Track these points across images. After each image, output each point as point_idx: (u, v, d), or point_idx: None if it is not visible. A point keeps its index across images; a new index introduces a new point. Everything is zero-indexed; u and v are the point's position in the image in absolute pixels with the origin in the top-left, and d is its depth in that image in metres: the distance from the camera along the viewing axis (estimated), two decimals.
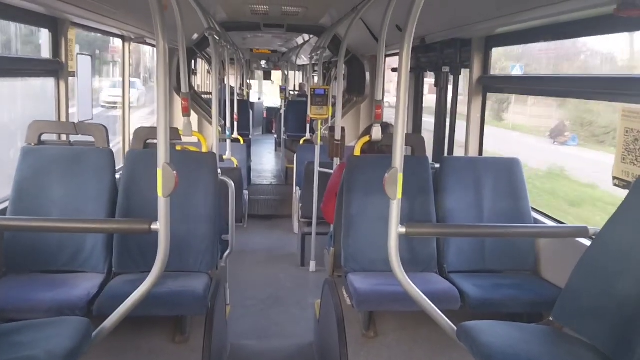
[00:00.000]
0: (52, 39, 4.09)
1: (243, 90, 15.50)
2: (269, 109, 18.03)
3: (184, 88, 3.82)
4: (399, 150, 2.35)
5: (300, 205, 6.63)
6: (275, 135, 13.76)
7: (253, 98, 19.63)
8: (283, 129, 11.27)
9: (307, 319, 4.79)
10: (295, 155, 7.98)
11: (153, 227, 2.26)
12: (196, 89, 12.06)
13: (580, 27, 3.17)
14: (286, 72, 15.17)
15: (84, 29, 4.74)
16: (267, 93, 21.64)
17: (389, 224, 2.40)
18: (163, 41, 2.19)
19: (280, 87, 13.76)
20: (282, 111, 11.90)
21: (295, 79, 18.26)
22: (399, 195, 2.35)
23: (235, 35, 10.10)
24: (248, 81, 18.46)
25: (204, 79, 14.45)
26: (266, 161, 12.53)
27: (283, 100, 12.47)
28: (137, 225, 2.33)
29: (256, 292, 5.50)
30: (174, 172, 2.21)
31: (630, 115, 2.56)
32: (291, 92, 14.39)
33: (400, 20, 2.38)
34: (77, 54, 4.34)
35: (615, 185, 2.67)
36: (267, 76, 21.45)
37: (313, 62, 8.76)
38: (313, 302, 4.54)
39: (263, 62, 20.03)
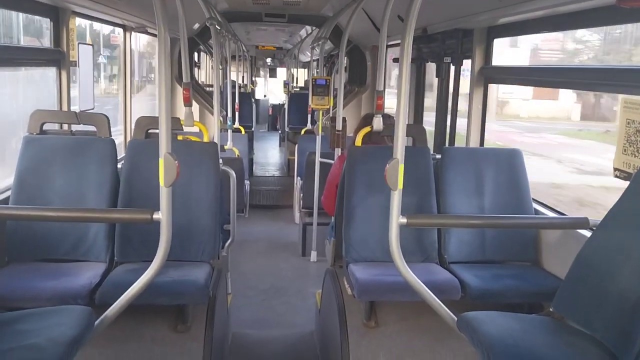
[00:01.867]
0: (53, 28, 4.09)
1: (247, 85, 15.48)
2: (275, 106, 18.02)
3: (185, 78, 3.82)
4: (400, 141, 2.36)
5: (301, 195, 6.64)
6: (280, 131, 13.80)
7: (259, 95, 19.61)
8: (286, 122, 11.30)
9: (308, 308, 4.81)
10: (296, 146, 7.97)
11: (155, 216, 2.27)
12: (200, 83, 12.04)
13: (582, 17, 3.16)
14: (291, 70, 15.15)
15: (85, 18, 4.74)
16: (273, 91, 21.58)
17: (389, 214, 2.41)
18: (164, 30, 2.18)
19: (284, 81, 13.78)
20: (285, 105, 11.94)
21: (301, 76, 18.20)
22: (400, 185, 2.35)
23: (239, 28, 10.07)
24: (254, 78, 18.40)
25: (208, 74, 14.45)
26: (270, 155, 12.55)
27: (286, 95, 12.51)
28: (139, 215, 2.34)
29: (257, 282, 5.52)
30: (176, 161, 2.21)
31: (631, 106, 2.56)
32: (294, 88, 14.38)
33: (402, 10, 2.38)
34: (78, 43, 4.33)
35: (616, 176, 2.68)
36: (273, 73, 21.42)
37: (314, 55, 8.74)
38: (314, 291, 4.55)
39: (269, 60, 19.99)
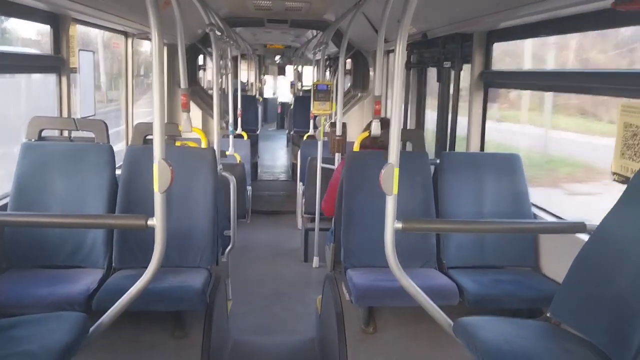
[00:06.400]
0: (53, 35, 4.10)
1: (252, 86, 15.39)
2: (284, 104, 17.95)
3: (184, 84, 3.82)
4: (395, 146, 2.34)
5: (304, 200, 6.63)
6: (287, 131, 13.77)
7: (268, 93, 19.56)
8: (292, 124, 11.28)
9: (310, 314, 4.79)
10: (299, 151, 7.97)
11: (149, 222, 2.26)
12: (206, 84, 12.05)
13: (581, 21, 3.15)
14: (299, 68, 15.08)
15: (85, 25, 4.75)
16: (282, 88, 21.50)
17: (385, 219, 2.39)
18: (159, 37, 2.19)
19: (291, 82, 13.69)
20: (292, 107, 11.93)
21: (313, 74, 18.09)
22: (395, 190, 2.34)
23: (245, 30, 10.07)
24: (262, 76, 18.33)
25: (214, 77, 14.39)
26: (277, 157, 12.52)
27: (293, 96, 12.48)
28: (133, 221, 2.33)
29: (259, 288, 5.50)
30: (170, 167, 2.21)
31: (629, 110, 2.54)
32: (299, 90, 14.33)
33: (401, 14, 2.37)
34: (79, 50, 4.35)
35: (614, 180, 2.65)
36: (282, 71, 21.36)
37: (316, 58, 8.72)
38: (315, 297, 4.54)
39: (277, 57, 19.93)
